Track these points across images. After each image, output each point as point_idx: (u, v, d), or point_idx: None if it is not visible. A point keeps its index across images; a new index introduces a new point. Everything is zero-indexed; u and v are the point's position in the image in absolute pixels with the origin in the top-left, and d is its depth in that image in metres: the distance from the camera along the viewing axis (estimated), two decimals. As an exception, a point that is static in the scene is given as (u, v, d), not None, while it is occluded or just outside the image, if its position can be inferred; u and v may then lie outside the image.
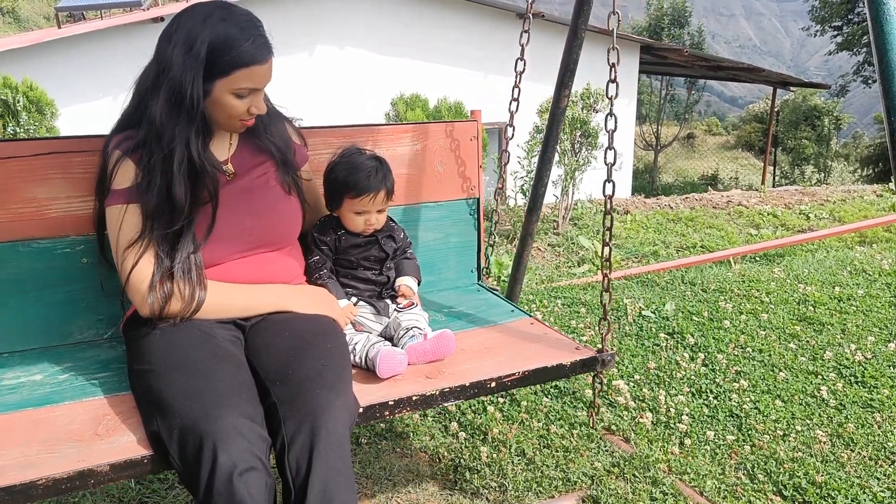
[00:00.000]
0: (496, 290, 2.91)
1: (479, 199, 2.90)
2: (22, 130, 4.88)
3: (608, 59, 2.37)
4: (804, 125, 20.77)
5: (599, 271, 5.88)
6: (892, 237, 7.09)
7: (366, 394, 1.99)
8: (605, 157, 2.43)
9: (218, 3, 1.90)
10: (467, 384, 2.11)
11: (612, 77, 2.40)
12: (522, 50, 2.94)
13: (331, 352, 1.94)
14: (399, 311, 2.29)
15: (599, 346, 2.39)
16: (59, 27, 12.93)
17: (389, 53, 11.65)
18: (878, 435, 3.02)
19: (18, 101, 4.90)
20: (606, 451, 2.88)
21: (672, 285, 5.07)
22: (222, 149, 2.09)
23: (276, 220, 2.12)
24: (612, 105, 2.42)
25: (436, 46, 12.07)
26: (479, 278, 2.96)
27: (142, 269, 1.90)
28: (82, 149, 2.16)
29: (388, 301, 2.33)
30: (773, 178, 19.70)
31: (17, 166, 2.11)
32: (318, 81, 10.45)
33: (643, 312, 4.32)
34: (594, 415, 2.68)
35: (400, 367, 2.10)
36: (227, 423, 1.66)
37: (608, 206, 2.45)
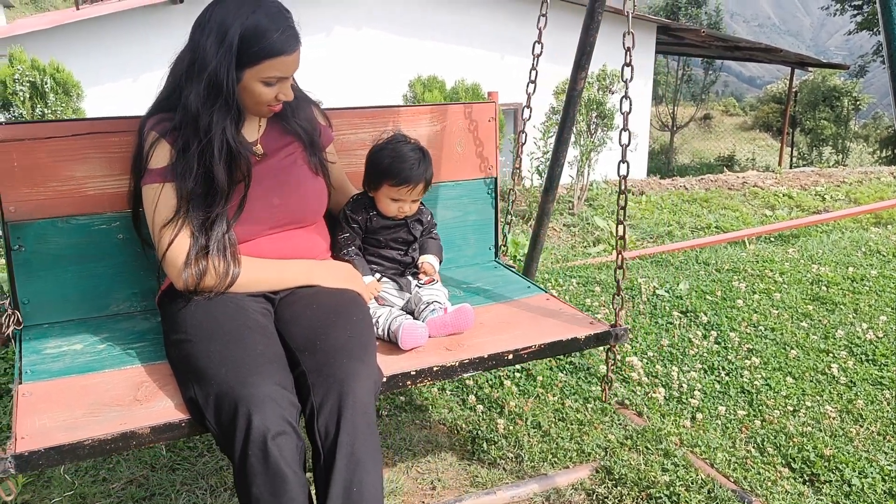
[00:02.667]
0: (513, 268, 2.99)
1: (496, 179, 2.97)
2: (49, 111, 4.98)
3: (623, 42, 2.44)
4: (823, 106, 20.58)
5: (614, 250, 5.94)
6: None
7: (389, 365, 2.08)
8: (620, 139, 2.50)
9: None
10: (486, 356, 2.20)
11: (627, 61, 2.47)
12: (540, 33, 2.99)
13: (356, 324, 2.04)
14: (420, 287, 2.39)
15: (613, 321, 2.47)
16: (78, 8, 13.05)
17: (406, 34, 11.67)
18: (887, 411, 3.08)
19: (46, 83, 4.99)
20: (620, 424, 2.96)
21: (686, 265, 5.12)
22: (252, 130, 2.17)
23: (303, 198, 2.22)
24: (626, 88, 2.48)
25: (453, 27, 12.08)
26: (496, 255, 3.05)
27: (178, 246, 2.00)
28: (118, 129, 2.26)
29: (410, 278, 2.42)
30: (791, 160, 19.58)
31: (56, 146, 2.21)
32: (336, 62, 10.50)
33: (657, 291, 4.39)
34: (607, 389, 2.75)
35: (421, 339, 2.20)
36: (260, 390, 1.75)
37: (622, 186, 2.53)
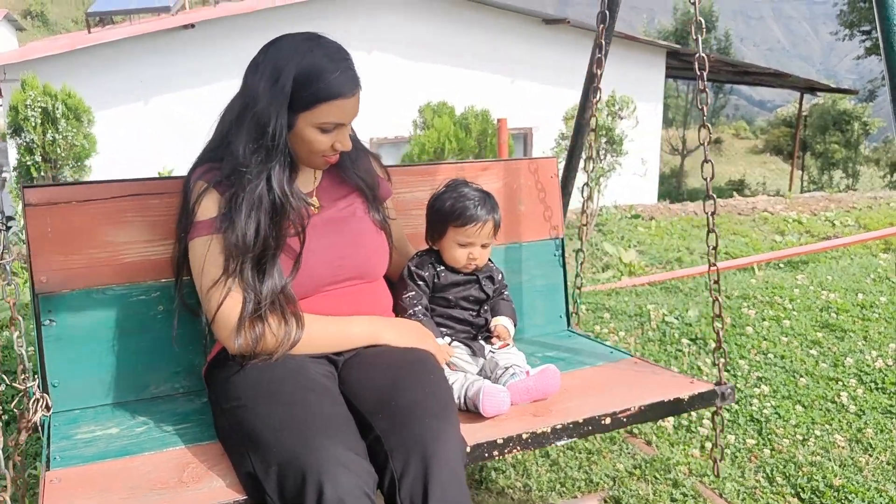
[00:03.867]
0: (590, 336, 2.82)
1: (563, 240, 2.80)
2: (61, 136, 5.04)
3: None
4: (833, 130, 20.60)
5: (624, 277, 5.95)
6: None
7: (470, 434, 1.84)
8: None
9: (306, 33, 1.86)
10: (580, 420, 2.00)
11: (703, 121, 2.41)
12: (598, 78, 2.94)
13: (434, 382, 1.86)
14: (495, 352, 2.19)
15: (715, 378, 2.29)
16: (90, 31, 13.25)
17: (417, 58, 11.79)
18: (898, 441, 3.07)
19: (58, 109, 5.05)
20: (628, 453, 2.96)
21: (696, 292, 5.12)
22: (307, 182, 2.03)
23: (364, 252, 2.06)
24: (706, 155, 2.47)
25: (462, 51, 12.19)
26: (568, 324, 2.84)
27: (229, 306, 1.82)
28: (161, 191, 2.12)
29: (483, 342, 2.23)
30: (801, 184, 19.58)
31: (95, 210, 2.06)
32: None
33: (666, 318, 4.39)
34: (717, 461, 2.51)
35: (503, 405, 1.98)
36: (331, 455, 1.55)
37: (710, 224, 2.45)
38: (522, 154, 11.55)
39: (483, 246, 2.20)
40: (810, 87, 17.32)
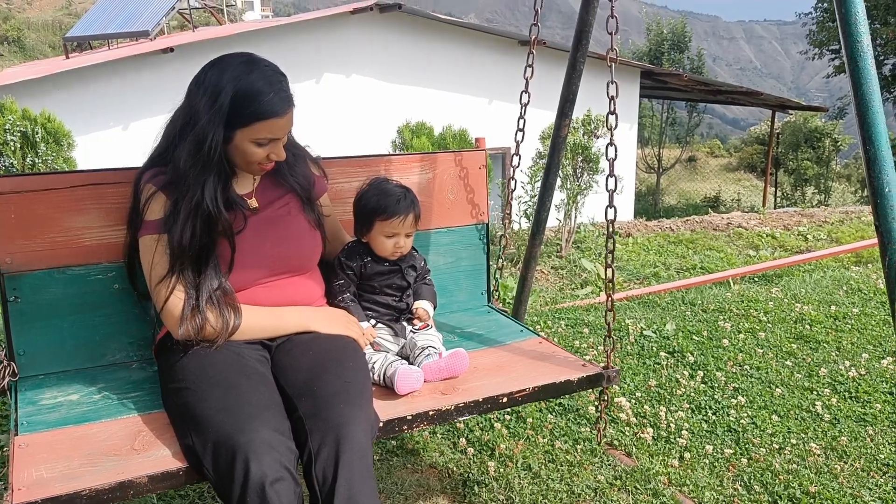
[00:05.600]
0: (505, 312, 3.04)
1: (487, 225, 3.05)
2: (40, 161, 5.05)
3: (607, 91, 2.53)
4: (805, 146, 20.93)
5: (602, 293, 6.01)
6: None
7: (385, 409, 2.11)
8: (607, 184, 2.58)
9: (246, 55, 2.05)
10: (480, 399, 2.24)
11: (612, 109, 2.56)
12: (527, 83, 3.08)
13: (352, 370, 2.08)
14: (415, 333, 2.43)
15: (604, 363, 2.52)
16: (67, 56, 13.23)
17: (394, 81, 11.89)
18: (871, 447, 3.14)
19: (37, 133, 5.06)
20: (609, 465, 3.00)
21: (672, 306, 5.19)
22: (246, 184, 2.23)
23: (298, 248, 2.27)
24: (612, 135, 2.57)
25: (440, 74, 12.32)
26: (489, 300, 3.09)
27: (175, 300, 2.04)
28: (115, 181, 2.30)
29: (405, 323, 2.46)
30: (775, 200, 19.84)
31: (56, 198, 2.24)
32: (325, 108, 10.66)
33: (644, 332, 4.45)
34: (601, 430, 2.80)
35: (417, 384, 2.24)
36: (258, 437, 1.78)
37: (610, 230, 2.60)
38: (501, 175, 11.65)
39: (407, 235, 2.43)
40: (781, 105, 17.63)
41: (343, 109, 10.90)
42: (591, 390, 3.02)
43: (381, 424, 2.04)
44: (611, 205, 2.57)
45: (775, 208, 15.87)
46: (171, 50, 9.82)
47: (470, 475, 2.92)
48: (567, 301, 5.58)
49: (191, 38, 10.09)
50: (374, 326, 2.41)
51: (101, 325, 2.36)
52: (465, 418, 2.28)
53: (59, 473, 1.81)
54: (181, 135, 2.02)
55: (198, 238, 2.03)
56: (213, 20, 17.81)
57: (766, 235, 8.36)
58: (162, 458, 1.89)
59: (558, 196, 7.14)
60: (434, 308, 2.56)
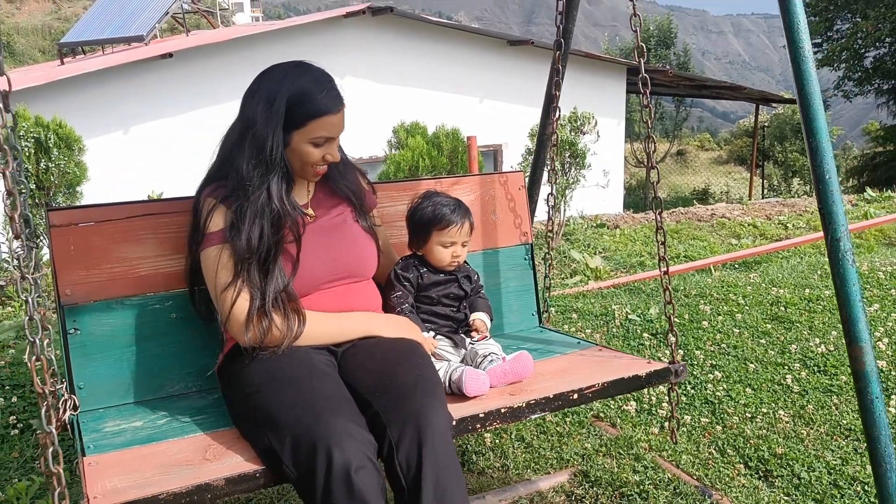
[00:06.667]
0: (560, 331, 3.12)
1: (531, 245, 3.10)
2: (53, 165, 5.29)
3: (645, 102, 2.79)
4: (792, 139, 21.28)
5: (591, 281, 6.29)
6: (861, 243, 7.52)
7: (455, 411, 2.10)
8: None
9: (295, 62, 2.16)
10: (551, 396, 2.26)
11: (647, 114, 2.83)
12: (556, 98, 3.30)
13: (423, 366, 2.12)
14: (474, 343, 2.47)
15: (670, 359, 2.59)
16: (62, 62, 13.42)
17: (388, 82, 12.16)
18: (835, 415, 3.42)
19: (50, 139, 5.30)
20: (595, 435, 3.28)
21: (657, 292, 5.47)
22: (301, 194, 2.30)
23: (356, 254, 2.32)
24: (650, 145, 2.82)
25: (432, 74, 12.59)
26: (539, 321, 3.12)
27: (240, 305, 2.06)
28: (171, 210, 2.37)
29: (464, 336, 2.50)
30: (762, 191, 20.17)
31: (112, 229, 2.30)
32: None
33: (629, 316, 4.73)
34: (674, 431, 2.78)
35: (484, 387, 2.25)
36: (338, 427, 1.80)
37: (658, 222, 2.69)
38: (493, 169, 11.93)
39: (463, 244, 2.50)
40: (765, 99, 17.94)
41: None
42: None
43: (454, 422, 2.04)
44: (655, 195, 2.67)
45: (763, 199, 16.20)
46: (170, 55, 10.05)
47: (468, 446, 3.19)
48: (557, 290, 5.85)
49: (188, 44, 10.34)
50: (433, 337, 2.42)
51: (160, 356, 2.37)
52: (536, 416, 2.30)
53: (134, 483, 1.81)
54: (239, 143, 2.10)
55: (266, 238, 2.08)
56: (205, 23, 18.02)
57: (748, 225, 8.67)
58: (237, 463, 1.90)
59: (546, 191, 7.43)
60: (491, 320, 2.59)
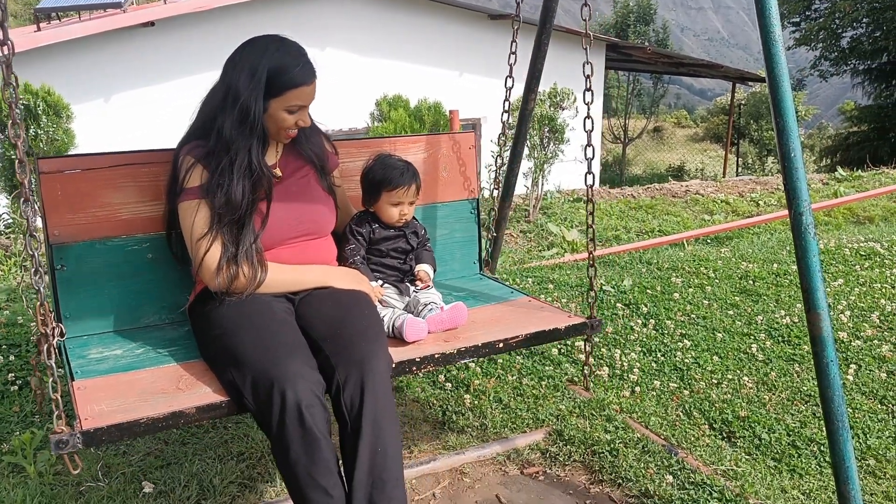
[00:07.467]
0: (497, 278, 3.39)
1: (478, 200, 3.39)
2: (42, 132, 5.33)
3: (583, 70, 2.88)
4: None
5: (567, 254, 6.46)
6: (829, 220, 7.77)
7: (396, 354, 2.39)
8: (585, 153, 2.99)
9: (273, 36, 2.38)
10: (479, 344, 2.56)
11: (588, 86, 2.93)
12: (511, 69, 3.42)
13: (369, 316, 2.41)
14: (417, 292, 2.75)
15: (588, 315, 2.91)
16: (38, 28, 13.24)
17: (370, 55, 12.16)
18: (797, 382, 3.61)
19: (38, 106, 5.33)
20: (569, 397, 3.44)
21: (630, 265, 5.65)
22: (271, 155, 2.54)
23: (316, 213, 2.58)
24: (589, 109, 2.95)
25: (414, 48, 12.61)
26: (480, 268, 3.44)
27: (213, 254, 2.32)
28: (150, 161, 2.61)
29: (409, 284, 2.79)
30: (737, 169, 20.44)
31: (96, 176, 2.52)
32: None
33: (604, 287, 4.89)
34: (587, 375, 3.17)
35: (422, 333, 2.55)
36: (292, 369, 2.07)
37: (589, 195, 3.03)
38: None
39: (410, 203, 2.76)
40: (741, 77, 18.14)
41: (320, 83, 11.08)
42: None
43: (393, 365, 2.32)
44: (589, 171, 2.98)
45: (737, 176, 16.45)
46: (153, 24, 9.99)
47: (448, 407, 3.34)
48: (534, 261, 6.00)
49: (169, 12, 10.27)
50: (381, 286, 2.71)
51: (137, 291, 2.64)
52: (465, 361, 2.61)
53: (118, 407, 2.09)
54: (222, 108, 2.32)
55: (246, 196, 2.32)
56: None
57: (721, 201, 8.87)
58: (205, 394, 2.17)
59: (526, 164, 7.56)
60: (434, 271, 2.88)
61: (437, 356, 2.47)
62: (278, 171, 2.54)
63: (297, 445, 2.03)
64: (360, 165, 2.87)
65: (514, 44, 3.41)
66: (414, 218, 2.86)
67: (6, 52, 2.00)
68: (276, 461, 2.11)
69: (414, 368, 2.46)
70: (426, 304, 2.66)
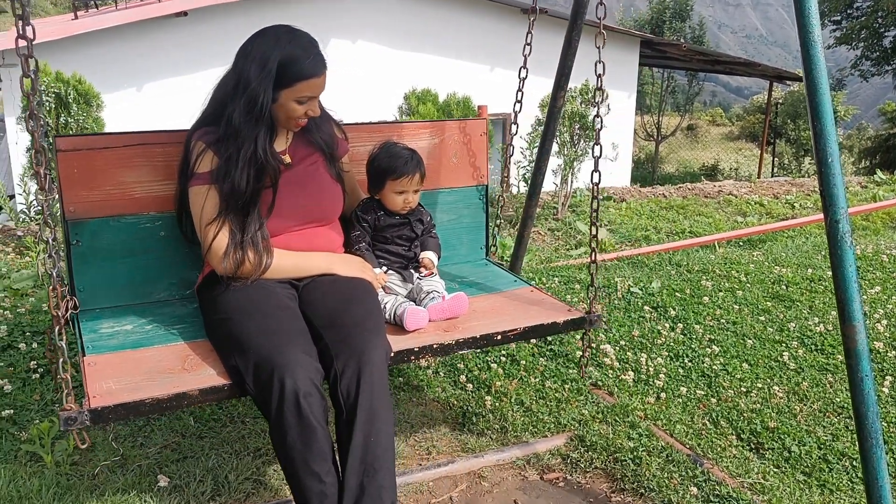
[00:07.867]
0: (501, 265, 3.41)
1: (486, 187, 3.42)
2: (73, 120, 5.38)
3: (595, 70, 2.84)
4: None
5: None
6: (868, 225, 7.57)
7: (395, 343, 2.46)
8: (593, 151, 2.90)
9: (285, 27, 2.41)
10: (478, 336, 2.61)
11: (599, 85, 2.88)
12: (525, 59, 3.39)
13: (370, 306, 2.47)
14: (421, 279, 2.79)
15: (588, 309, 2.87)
16: (76, 16, 13.39)
17: (400, 47, 12.10)
18: (829, 392, 3.50)
19: (70, 95, 5.40)
20: (593, 402, 3.37)
21: (660, 266, 5.54)
22: (281, 142, 2.58)
23: (323, 201, 2.63)
24: (598, 109, 2.89)
25: (445, 41, 12.53)
26: (486, 254, 3.47)
27: (220, 240, 2.39)
28: (164, 141, 2.66)
29: (413, 271, 2.82)
30: (773, 169, 20.08)
31: (111, 155, 2.59)
32: (332, 73, 10.83)
33: (631, 289, 4.80)
34: (583, 368, 3.19)
35: (423, 322, 2.60)
36: (292, 357, 2.14)
37: (595, 192, 2.94)
38: (502, 140, 11.93)
39: (414, 192, 2.79)
40: (779, 76, 17.79)
41: (349, 75, 11.13)
42: (578, 337, 3.39)
43: (392, 354, 2.39)
44: (596, 169, 2.89)
45: (773, 177, 16.16)
46: (185, 14, 10.04)
47: (469, 408, 3.29)
48: (562, 260, 5.92)
49: (202, 2, 10.31)
50: (385, 272, 2.75)
51: (149, 267, 2.73)
52: (463, 352, 2.64)
53: (126, 386, 2.17)
54: (233, 96, 2.36)
55: (250, 185, 2.38)
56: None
57: (755, 203, 8.69)
58: (209, 376, 2.25)
59: (556, 162, 7.46)
60: (438, 258, 2.91)
61: (435, 346, 2.52)
62: (288, 158, 2.57)
63: (294, 432, 2.11)
64: (370, 150, 2.89)
65: (529, 34, 3.42)
66: (420, 205, 2.88)
67: (25, 44, 2.02)
68: (274, 445, 2.19)
69: (413, 357, 2.52)
70: (429, 293, 2.69)
